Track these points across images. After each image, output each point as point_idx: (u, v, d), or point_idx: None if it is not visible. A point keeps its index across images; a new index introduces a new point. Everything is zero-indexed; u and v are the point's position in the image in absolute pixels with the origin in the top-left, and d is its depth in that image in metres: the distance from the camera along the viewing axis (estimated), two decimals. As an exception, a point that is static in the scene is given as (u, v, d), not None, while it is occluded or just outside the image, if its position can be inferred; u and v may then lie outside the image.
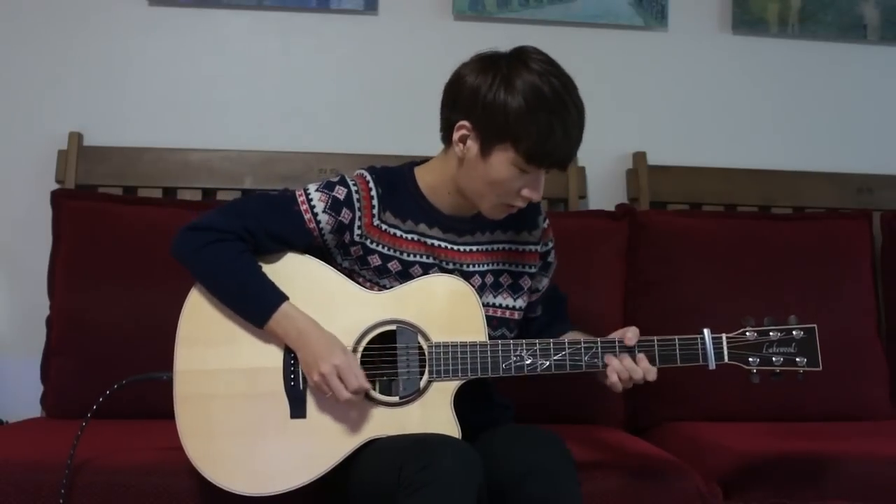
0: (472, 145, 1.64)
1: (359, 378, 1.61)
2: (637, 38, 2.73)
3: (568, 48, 2.68)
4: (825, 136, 2.78)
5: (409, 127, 2.63)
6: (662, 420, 2.35)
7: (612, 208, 2.54)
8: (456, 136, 1.65)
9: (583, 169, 2.65)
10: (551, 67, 1.62)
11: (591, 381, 1.74)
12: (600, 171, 2.68)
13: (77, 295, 2.25)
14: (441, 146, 1.74)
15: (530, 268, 1.83)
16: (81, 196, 2.40)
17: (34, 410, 2.31)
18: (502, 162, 1.61)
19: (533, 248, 1.83)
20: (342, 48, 2.64)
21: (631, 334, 1.66)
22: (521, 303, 1.81)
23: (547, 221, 1.87)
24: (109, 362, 2.19)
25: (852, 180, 2.71)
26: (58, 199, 2.35)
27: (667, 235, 2.46)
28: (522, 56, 1.63)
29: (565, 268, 2.36)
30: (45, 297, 2.32)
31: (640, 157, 2.67)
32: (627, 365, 1.64)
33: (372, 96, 2.65)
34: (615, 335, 1.68)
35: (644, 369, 1.64)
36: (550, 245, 1.88)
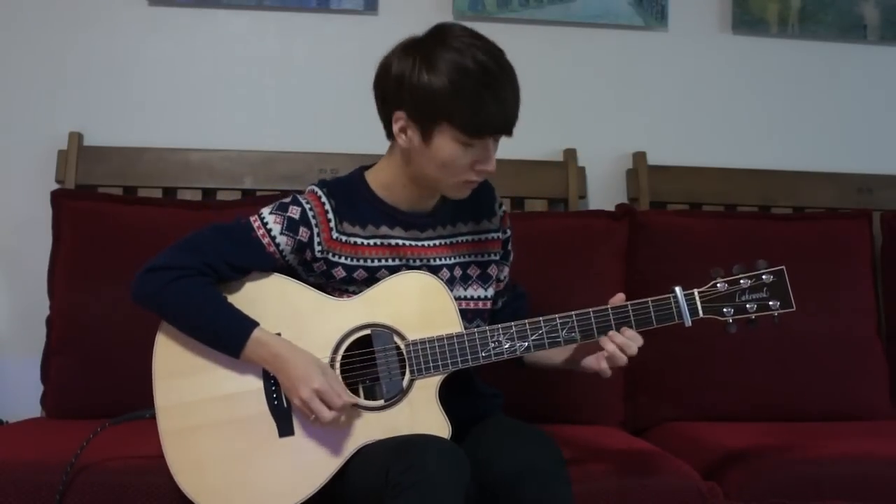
0: (413, 134, 1.64)
1: (341, 396, 1.60)
2: (637, 38, 2.73)
3: (568, 48, 2.72)
4: (825, 136, 2.78)
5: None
6: (662, 420, 2.35)
7: (612, 208, 2.54)
8: (395, 128, 1.66)
9: (583, 169, 2.65)
10: (473, 40, 1.61)
11: (582, 374, 1.73)
12: (600, 171, 2.68)
13: (77, 295, 2.25)
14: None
15: (495, 255, 1.83)
16: (81, 196, 2.40)
17: (34, 410, 2.31)
18: (445, 142, 1.61)
19: (494, 235, 1.83)
20: (342, 48, 2.64)
21: (617, 298, 1.67)
22: (491, 292, 1.81)
23: (503, 208, 1.87)
24: (109, 362, 2.19)
25: (852, 180, 2.71)
26: (58, 199, 2.35)
27: (667, 235, 2.46)
28: (441, 35, 1.64)
29: (565, 268, 2.37)
30: (45, 297, 2.32)
31: (640, 157, 2.67)
32: (621, 342, 1.62)
33: (372, 96, 2.64)
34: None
35: (629, 336, 1.63)
36: (509, 233, 1.88)
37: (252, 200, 2.38)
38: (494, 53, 1.61)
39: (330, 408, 1.59)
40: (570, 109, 2.69)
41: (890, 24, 2.77)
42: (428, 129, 1.61)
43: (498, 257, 1.83)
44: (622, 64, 2.72)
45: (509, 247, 1.88)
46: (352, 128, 2.62)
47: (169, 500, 1.69)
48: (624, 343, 1.63)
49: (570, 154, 2.64)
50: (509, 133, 1.64)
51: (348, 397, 1.61)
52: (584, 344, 1.68)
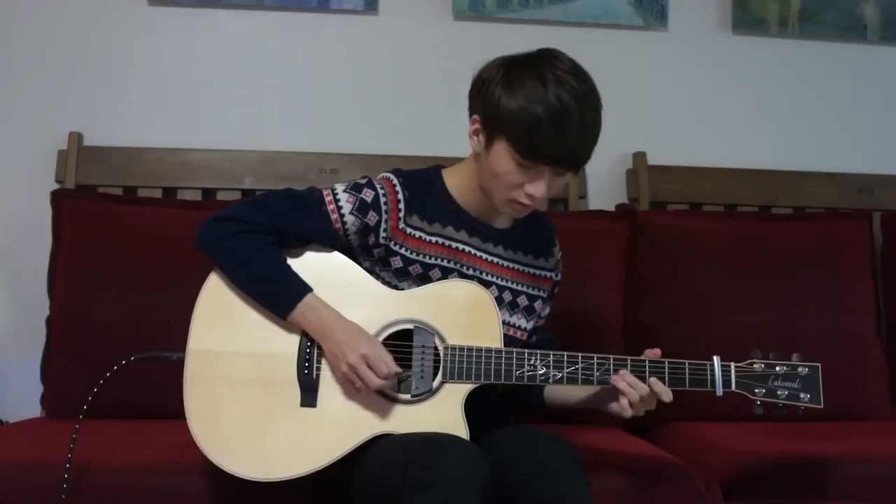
0: (481, 138, 1.67)
1: (388, 364, 1.61)
2: (637, 38, 2.73)
3: (568, 48, 2.69)
4: (825, 136, 2.78)
5: (410, 127, 2.64)
6: (662, 420, 2.35)
7: (612, 208, 2.54)
8: (470, 129, 1.69)
9: (583, 169, 2.64)
10: (569, 77, 1.61)
11: (598, 411, 1.73)
12: (600, 171, 2.68)
13: (77, 295, 2.25)
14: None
15: (544, 292, 1.85)
16: (81, 196, 2.40)
17: (34, 410, 2.31)
18: (501, 154, 1.63)
19: (548, 274, 1.85)
20: (342, 48, 2.64)
21: (653, 352, 1.67)
22: (531, 325, 1.83)
23: (560, 253, 1.90)
24: (109, 362, 2.17)
25: (852, 180, 2.71)
26: (58, 199, 2.35)
27: (667, 235, 2.46)
28: (538, 59, 1.64)
29: (565, 268, 2.36)
30: (45, 297, 2.32)
31: (640, 157, 2.67)
32: (631, 381, 1.63)
33: (372, 96, 2.65)
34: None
35: (658, 391, 1.63)
36: (560, 277, 1.90)
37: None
38: (580, 94, 1.61)
39: (377, 374, 1.59)
40: (570, 109, 2.68)
41: (890, 24, 2.77)
42: (491, 137, 1.64)
43: (546, 295, 1.85)
44: (622, 64, 2.72)
45: (556, 290, 1.90)
46: (352, 128, 2.64)
47: (170, 500, 1.69)
48: (634, 383, 1.62)
49: (570, 154, 2.64)
50: (570, 170, 1.66)
51: (396, 367, 1.62)
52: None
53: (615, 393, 1.65)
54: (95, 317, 2.22)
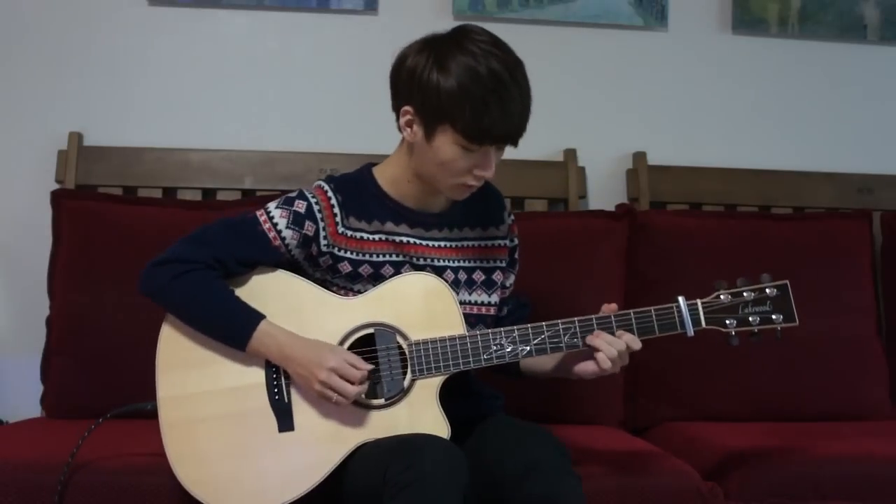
0: (418, 129, 1.65)
1: (359, 365, 1.61)
2: (637, 38, 2.73)
3: (568, 48, 2.72)
4: (825, 136, 2.78)
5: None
6: (662, 420, 2.35)
7: (612, 208, 2.53)
8: (402, 121, 1.68)
9: (583, 169, 2.65)
10: (492, 48, 1.60)
11: (577, 379, 1.71)
12: (600, 171, 2.68)
13: (77, 295, 2.25)
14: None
15: (501, 262, 1.83)
16: (81, 196, 2.40)
17: (34, 410, 2.31)
18: (445, 143, 1.62)
19: (501, 242, 1.83)
20: (342, 48, 2.64)
21: (609, 307, 1.67)
22: (495, 298, 1.81)
23: (511, 217, 1.87)
24: (109, 362, 2.19)
25: (852, 180, 2.71)
26: (58, 199, 2.35)
27: (667, 235, 2.46)
28: (461, 36, 1.63)
29: (565, 268, 2.36)
30: (45, 297, 2.32)
31: (640, 157, 2.67)
32: (608, 339, 1.63)
33: (372, 96, 2.63)
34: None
35: (626, 340, 1.63)
36: (516, 242, 1.88)
37: (252, 200, 2.37)
38: (510, 63, 1.60)
39: (352, 382, 1.59)
40: (570, 109, 2.68)
41: (890, 24, 2.77)
42: (431, 127, 1.62)
43: (504, 264, 1.84)
44: (622, 64, 2.72)
45: (516, 255, 1.88)
46: (352, 128, 2.63)
47: (169, 499, 1.69)
48: (610, 339, 1.63)
49: (570, 154, 2.64)
50: (513, 144, 1.64)
51: (366, 365, 1.61)
52: (579, 351, 1.68)
53: (590, 353, 1.65)
54: (95, 317, 2.22)
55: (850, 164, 2.75)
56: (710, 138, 2.75)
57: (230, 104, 2.61)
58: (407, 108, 1.66)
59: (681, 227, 2.48)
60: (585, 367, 1.67)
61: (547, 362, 1.77)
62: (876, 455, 1.97)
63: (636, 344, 1.64)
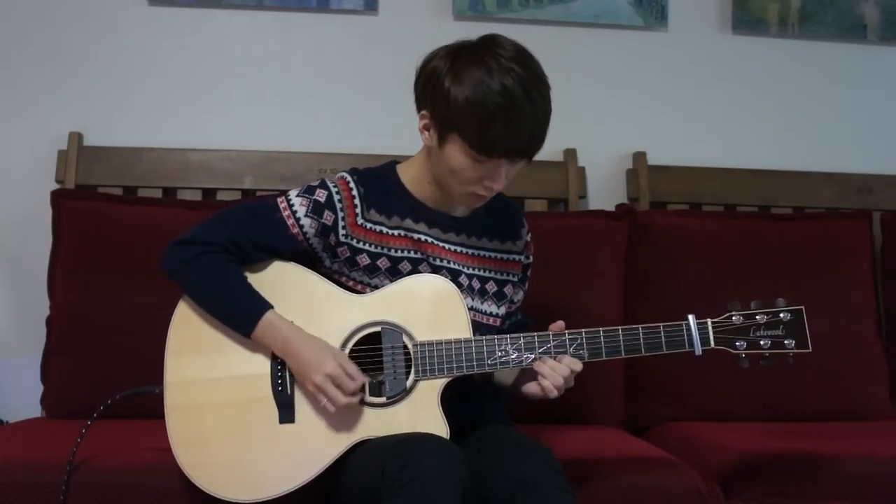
0: (433, 134, 1.66)
1: (355, 376, 1.61)
2: (637, 38, 2.73)
3: (568, 48, 2.72)
4: (825, 136, 2.78)
5: (409, 127, 2.60)
6: (662, 420, 2.35)
7: (612, 208, 2.54)
8: (420, 124, 1.68)
9: (583, 169, 2.65)
10: (512, 63, 1.59)
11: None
12: (600, 171, 2.68)
13: (77, 295, 2.25)
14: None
15: (513, 276, 1.84)
16: (81, 196, 2.40)
17: (34, 410, 2.31)
18: (455, 151, 1.62)
19: (516, 257, 1.84)
20: (342, 48, 2.65)
21: (556, 325, 1.67)
22: (503, 311, 1.82)
23: (529, 235, 1.88)
24: (109, 362, 2.19)
25: (852, 180, 2.71)
26: (58, 199, 2.35)
27: (667, 235, 2.46)
28: (484, 48, 1.62)
29: (565, 267, 2.36)
30: (45, 297, 2.32)
31: (640, 157, 2.67)
32: (552, 364, 1.64)
33: (372, 96, 2.65)
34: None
35: (567, 363, 1.63)
36: (531, 260, 1.89)
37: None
38: (526, 81, 1.59)
39: (344, 392, 1.60)
40: (569, 109, 2.65)
41: (890, 24, 2.77)
42: (443, 134, 1.63)
43: (516, 279, 1.85)
44: (622, 64, 2.72)
45: (528, 273, 1.89)
46: (352, 128, 2.64)
47: (169, 499, 1.69)
48: (554, 366, 1.63)
49: (570, 154, 2.64)
50: (526, 159, 1.64)
51: (362, 377, 1.62)
52: (527, 369, 1.68)
53: (534, 374, 1.65)
54: (95, 317, 2.22)
55: (850, 164, 2.75)
56: (709, 138, 2.75)
57: (230, 104, 2.61)
58: (424, 111, 1.67)
59: (681, 227, 2.48)
60: (529, 388, 1.69)
61: (506, 376, 1.78)
62: (876, 455, 1.96)
63: (577, 366, 1.64)
